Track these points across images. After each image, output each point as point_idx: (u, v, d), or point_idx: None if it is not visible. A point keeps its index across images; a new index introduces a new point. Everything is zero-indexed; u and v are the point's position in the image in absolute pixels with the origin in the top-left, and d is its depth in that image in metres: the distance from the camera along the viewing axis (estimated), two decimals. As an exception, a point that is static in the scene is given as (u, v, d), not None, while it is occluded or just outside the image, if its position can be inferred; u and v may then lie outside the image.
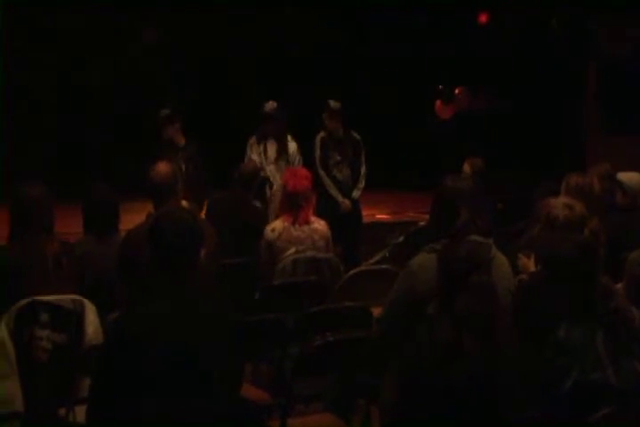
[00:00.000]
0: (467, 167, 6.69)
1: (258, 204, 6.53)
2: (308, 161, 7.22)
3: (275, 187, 7.09)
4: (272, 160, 7.22)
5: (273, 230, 5.06)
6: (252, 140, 7.28)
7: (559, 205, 3.90)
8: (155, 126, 7.02)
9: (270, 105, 7.20)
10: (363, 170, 7.37)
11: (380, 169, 8.36)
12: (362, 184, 7.36)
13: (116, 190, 4.80)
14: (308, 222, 5.10)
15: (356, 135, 7.39)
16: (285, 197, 5.14)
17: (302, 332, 4.01)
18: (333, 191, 7.20)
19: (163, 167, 4.39)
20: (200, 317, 2.74)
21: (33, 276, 3.91)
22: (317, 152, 7.26)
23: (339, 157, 7.29)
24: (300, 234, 5.06)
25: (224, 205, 6.12)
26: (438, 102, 11.95)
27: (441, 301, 2.89)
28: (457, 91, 11.88)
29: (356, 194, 7.32)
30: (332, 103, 7.20)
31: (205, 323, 2.74)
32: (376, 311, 3.95)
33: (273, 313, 4.24)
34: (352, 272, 4.91)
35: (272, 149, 7.25)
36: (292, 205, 5.06)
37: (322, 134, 7.29)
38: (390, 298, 3.39)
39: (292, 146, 7.29)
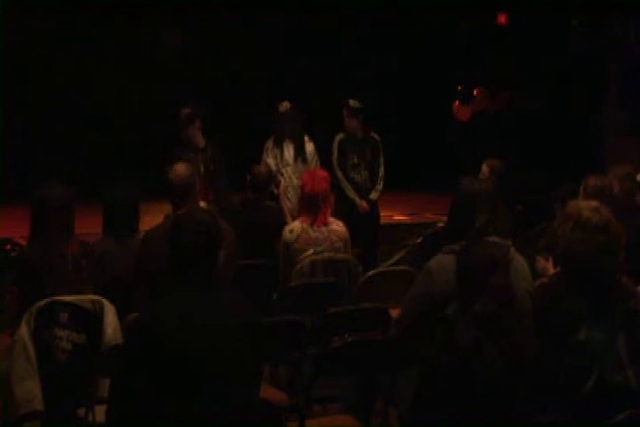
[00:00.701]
0: (485, 168, 6.68)
1: (273, 203, 6.54)
2: (326, 162, 7.23)
3: (282, 185, 7.09)
4: (289, 162, 7.22)
5: (291, 231, 5.08)
6: (269, 143, 7.27)
7: (589, 207, 3.88)
8: (175, 126, 7.02)
9: (284, 105, 7.19)
10: (381, 171, 7.35)
11: (398, 170, 8.35)
12: (380, 186, 7.34)
13: (137, 189, 4.83)
14: (326, 223, 5.11)
15: (375, 136, 7.38)
16: (304, 198, 5.15)
17: (320, 333, 4.02)
18: (351, 193, 7.19)
19: (182, 168, 4.41)
20: (219, 317, 2.76)
21: (53, 276, 3.95)
22: (335, 154, 7.25)
23: (357, 159, 7.28)
24: (318, 235, 5.07)
25: (238, 208, 6.12)
26: (457, 103, 11.92)
27: (459, 303, 2.90)
28: (475, 91, 11.85)
29: (374, 196, 7.31)
30: (352, 102, 7.17)
31: (224, 324, 2.76)
32: (394, 313, 3.95)
33: (291, 314, 4.25)
34: (370, 273, 4.91)
35: (289, 150, 7.24)
36: (311, 206, 5.08)
37: (340, 136, 7.29)
38: (408, 299, 3.39)
39: (310, 146, 7.29)
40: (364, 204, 7.21)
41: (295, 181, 6.99)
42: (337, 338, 3.73)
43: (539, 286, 3.48)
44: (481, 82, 11.79)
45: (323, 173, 5.25)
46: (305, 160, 7.21)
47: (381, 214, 7.68)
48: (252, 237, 5.49)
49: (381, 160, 7.37)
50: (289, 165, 7.20)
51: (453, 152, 11.56)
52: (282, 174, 7.15)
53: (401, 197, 10.44)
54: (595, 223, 3.73)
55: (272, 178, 6.58)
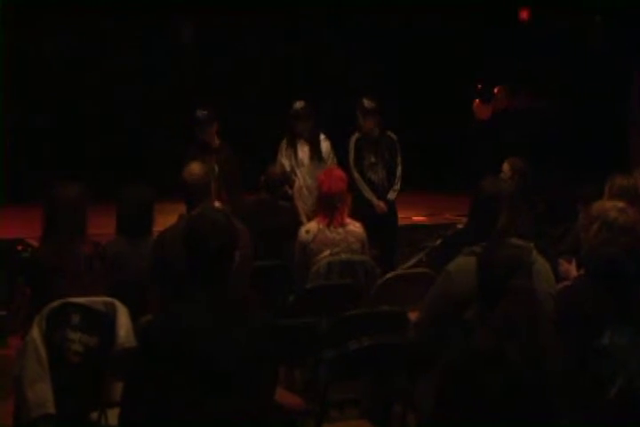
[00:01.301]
0: (506, 168, 6.65)
1: (287, 204, 6.54)
2: (343, 162, 7.22)
3: (296, 185, 7.09)
4: (304, 162, 7.21)
5: (307, 232, 5.09)
6: (283, 143, 7.27)
7: (616, 208, 3.86)
8: (190, 126, 7.05)
9: (298, 104, 7.19)
10: (399, 171, 7.34)
11: (416, 170, 8.34)
12: (398, 186, 7.33)
13: (153, 189, 4.84)
14: (343, 224, 5.11)
15: (392, 135, 7.37)
16: (320, 198, 5.16)
17: (337, 336, 4.02)
18: (368, 194, 7.18)
19: (196, 168, 4.42)
20: (235, 320, 2.76)
21: (65, 277, 3.96)
22: (351, 154, 7.24)
23: (374, 159, 7.27)
24: (334, 236, 5.08)
25: (252, 209, 6.12)
26: (477, 101, 11.88)
27: (480, 306, 2.89)
28: (496, 90, 11.81)
29: (391, 196, 7.29)
30: (366, 102, 7.16)
31: (240, 326, 2.76)
32: (412, 316, 3.95)
33: (307, 317, 4.25)
34: (388, 276, 4.91)
35: (304, 150, 7.24)
36: (327, 206, 5.08)
37: (356, 135, 7.28)
38: (427, 302, 3.39)
39: (325, 145, 7.29)
40: (381, 204, 7.20)
41: (309, 182, 6.99)
42: (354, 341, 3.72)
43: (561, 288, 3.47)
44: (501, 80, 11.75)
45: (340, 173, 5.26)
46: (321, 159, 7.21)
47: (399, 215, 7.67)
48: (266, 238, 5.50)
49: (399, 160, 7.35)
50: (303, 166, 7.20)
51: (474, 151, 11.52)
52: (296, 175, 7.15)
53: (419, 197, 10.42)
54: (621, 224, 3.71)
55: (286, 178, 6.58)
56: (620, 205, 3.83)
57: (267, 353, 2.81)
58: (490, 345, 2.70)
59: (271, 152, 7.36)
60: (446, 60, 11.73)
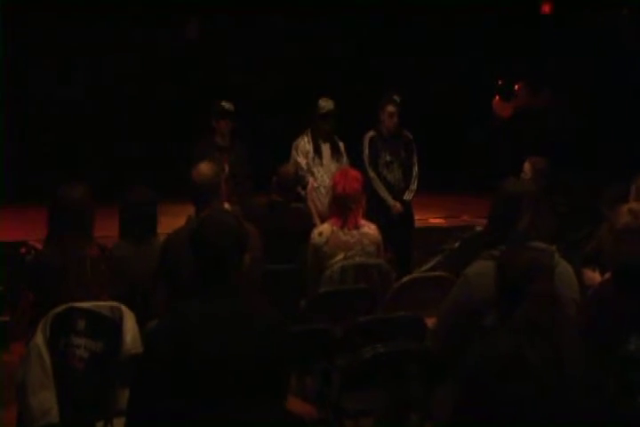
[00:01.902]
0: (528, 168, 6.63)
1: (300, 205, 6.55)
2: (356, 161, 7.23)
3: (310, 185, 7.10)
4: (325, 162, 7.23)
5: (320, 235, 5.09)
6: (300, 141, 7.27)
7: (632, 211, 3.85)
8: (198, 124, 7.09)
9: (329, 104, 7.18)
10: (415, 171, 7.34)
11: (434, 170, 8.34)
12: (414, 186, 7.33)
13: (155, 192, 4.87)
14: (357, 226, 5.11)
15: (408, 134, 7.38)
16: (334, 199, 5.16)
17: (351, 343, 4.03)
18: (383, 193, 7.18)
19: (205, 168, 4.43)
20: (243, 325, 2.77)
21: (70, 281, 3.99)
22: (366, 152, 7.25)
23: (389, 157, 7.28)
24: (349, 239, 5.08)
25: (264, 211, 6.14)
26: (497, 99, 11.88)
27: (500, 311, 2.89)
28: (517, 86, 11.80)
29: (408, 196, 7.30)
30: (396, 97, 7.19)
31: (249, 331, 2.77)
32: (430, 321, 3.95)
33: (320, 323, 4.26)
34: (404, 280, 4.91)
35: (327, 149, 7.26)
36: (341, 207, 5.08)
37: (371, 133, 7.29)
38: (445, 307, 3.39)
39: (341, 145, 7.32)
40: (397, 205, 7.20)
41: (327, 182, 7.00)
42: (369, 348, 3.73)
43: (586, 294, 3.47)
44: (523, 76, 11.73)
45: (355, 173, 5.25)
46: (339, 159, 7.24)
47: (416, 217, 7.67)
48: (278, 241, 5.51)
49: (415, 159, 7.36)
50: (322, 165, 7.21)
51: (493, 151, 11.51)
52: (312, 174, 7.15)
53: (437, 198, 10.42)
54: (635, 228, 3.70)
55: (299, 179, 6.59)
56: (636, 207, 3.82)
57: (279, 360, 2.82)
58: (510, 351, 2.70)
59: (284, 152, 7.38)
60: (464, 56, 11.72)
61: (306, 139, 7.23)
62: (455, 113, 11.81)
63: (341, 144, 7.30)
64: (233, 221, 2.88)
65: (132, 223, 4.68)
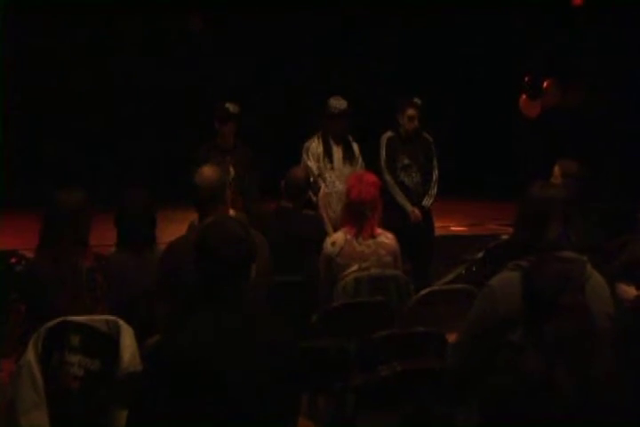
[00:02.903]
0: (557, 172, 6.63)
1: (312, 213, 6.56)
2: (370, 165, 7.24)
3: (322, 191, 7.11)
4: (336, 165, 7.23)
5: (333, 244, 5.10)
6: (310, 143, 7.28)
7: None
8: (200, 125, 7.12)
9: (341, 103, 7.19)
10: (435, 175, 7.35)
11: (455, 174, 8.36)
12: (434, 191, 7.33)
13: (155, 197, 4.89)
14: (373, 235, 5.12)
15: (428, 136, 7.39)
16: (349, 205, 5.17)
17: (366, 360, 4.03)
18: (401, 199, 7.19)
19: (209, 171, 4.44)
20: (252, 343, 2.78)
21: (64, 293, 4.00)
22: (383, 154, 7.26)
23: (407, 161, 7.28)
24: (364, 249, 5.09)
25: (272, 218, 6.14)
26: (524, 97, 11.86)
27: (527, 326, 2.89)
28: (545, 83, 11.78)
29: (427, 202, 7.30)
30: (416, 99, 7.21)
31: (256, 348, 2.78)
32: (451, 337, 3.95)
33: (332, 339, 4.27)
34: (423, 292, 4.91)
35: (338, 152, 7.27)
36: (356, 215, 5.09)
37: (388, 134, 7.30)
38: (468, 322, 3.39)
39: (356, 148, 7.33)
40: (415, 211, 7.21)
41: (340, 187, 7.01)
42: (385, 366, 3.73)
43: (621, 308, 3.46)
44: (552, 72, 11.72)
45: (371, 178, 5.26)
46: (353, 163, 7.24)
47: (436, 225, 7.67)
48: (288, 251, 5.52)
49: (435, 162, 7.36)
50: (333, 169, 7.22)
51: (521, 153, 11.51)
52: (324, 180, 7.16)
53: (459, 205, 10.43)
54: None
55: (309, 183, 6.60)
56: None
57: (288, 379, 2.82)
58: (539, 369, 2.70)
59: (294, 154, 7.40)
60: (488, 51, 11.72)
61: (317, 141, 7.24)
62: (479, 113, 11.82)
63: (356, 146, 7.31)
64: (239, 229, 2.89)
65: (129, 231, 4.70)
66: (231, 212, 4.72)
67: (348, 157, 7.25)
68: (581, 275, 3.09)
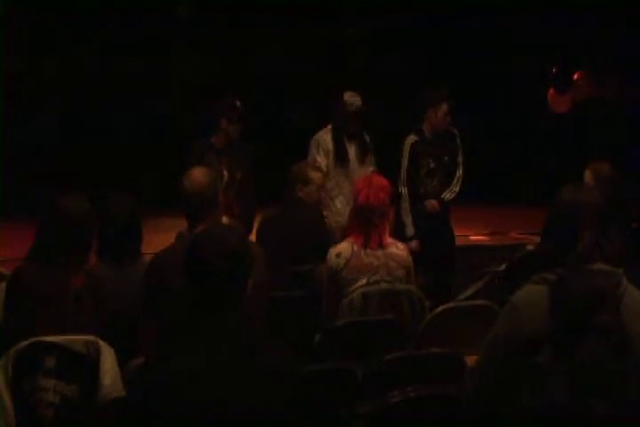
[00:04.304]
0: (589, 176, 6.64)
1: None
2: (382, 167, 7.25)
3: (326, 194, 7.12)
4: (355, 166, 7.25)
5: (338, 256, 5.10)
6: (322, 135, 7.27)
7: None
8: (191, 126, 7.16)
9: (358, 99, 7.18)
10: (459, 173, 7.38)
11: (476, 178, 8.35)
12: (457, 188, 7.37)
13: (140, 203, 4.90)
14: (383, 246, 5.12)
15: (453, 130, 7.41)
16: (355, 211, 5.17)
17: (376, 385, 4.04)
18: (406, 218, 7.19)
19: (200, 175, 4.45)
20: (246, 365, 2.78)
21: (46, 314, 4.00)
22: (405, 163, 7.25)
23: (433, 164, 7.30)
24: (372, 260, 5.09)
25: (277, 223, 6.14)
26: (551, 91, 11.86)
27: (555, 347, 2.90)
28: (576, 75, 11.78)
29: (447, 195, 7.34)
30: (443, 89, 7.23)
31: (252, 373, 2.78)
32: (470, 360, 3.95)
33: (338, 361, 4.27)
34: (440, 309, 4.92)
35: (352, 151, 7.29)
36: (364, 222, 5.10)
37: (412, 138, 7.28)
38: (488, 342, 3.39)
39: (370, 146, 7.36)
40: (433, 202, 7.23)
41: (348, 189, 7.02)
42: (396, 392, 3.73)
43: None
44: (583, 62, 11.72)
45: (381, 181, 5.26)
46: (366, 163, 7.27)
47: (455, 233, 7.68)
48: (288, 263, 5.53)
49: (460, 159, 7.39)
50: (344, 169, 7.23)
51: (548, 154, 11.50)
52: (329, 180, 7.16)
53: (480, 212, 10.43)
54: None
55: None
56: None
57: (288, 408, 2.83)
58: (567, 396, 2.70)
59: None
60: (508, 37, 11.72)
61: (330, 135, 7.25)
62: (501, 110, 11.82)
63: (368, 142, 7.34)
64: (234, 239, 2.89)
65: (111, 241, 4.71)
66: (225, 219, 4.72)
67: (362, 156, 7.27)
68: (616, 290, 3.09)
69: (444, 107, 7.19)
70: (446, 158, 7.33)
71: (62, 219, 4.17)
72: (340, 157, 7.24)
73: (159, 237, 5.10)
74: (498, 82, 11.80)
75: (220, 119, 7.02)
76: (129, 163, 10.78)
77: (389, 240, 5.17)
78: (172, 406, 2.69)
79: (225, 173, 6.83)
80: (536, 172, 11.37)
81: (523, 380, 3.00)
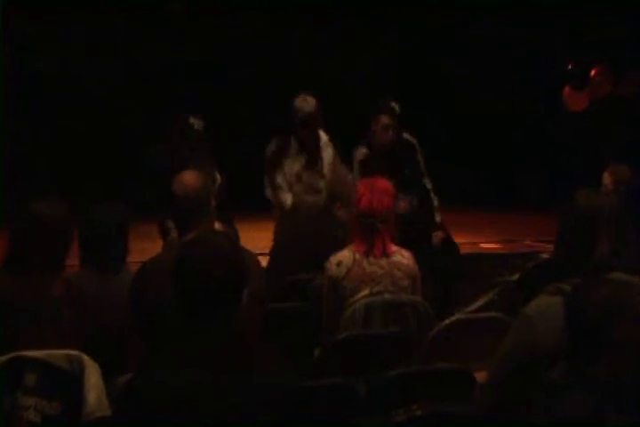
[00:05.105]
0: (608, 179, 6.65)
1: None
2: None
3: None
4: (306, 176, 7.17)
5: (339, 264, 5.10)
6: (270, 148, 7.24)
7: None
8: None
9: (310, 103, 6.99)
10: (428, 184, 7.42)
11: (485, 183, 8.38)
12: (436, 202, 7.42)
13: (127, 209, 4.91)
14: (386, 253, 5.13)
15: (408, 138, 7.41)
16: (357, 218, 5.18)
17: (379, 403, 4.04)
18: None
19: (191, 178, 4.46)
20: (240, 381, 2.79)
21: (25, 325, 4.01)
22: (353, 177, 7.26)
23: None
24: (375, 269, 5.10)
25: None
26: (567, 88, 11.88)
27: (571, 362, 2.90)
28: (593, 71, 11.79)
29: (438, 218, 7.40)
30: (394, 104, 7.23)
31: (247, 389, 2.79)
32: (480, 375, 3.96)
33: (339, 377, 4.27)
34: (448, 321, 4.92)
35: (301, 160, 7.21)
36: (366, 228, 5.10)
37: (362, 151, 7.29)
38: (500, 357, 3.40)
39: (328, 152, 7.22)
40: (439, 234, 7.28)
41: (309, 199, 7.01)
42: (401, 410, 3.74)
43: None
44: (600, 58, 11.74)
45: (384, 184, 5.27)
46: (318, 173, 7.18)
47: (464, 241, 7.70)
48: (286, 271, 5.54)
49: (422, 169, 7.39)
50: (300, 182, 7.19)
51: (563, 156, 11.51)
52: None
53: (490, 218, 10.44)
54: None
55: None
56: None
57: (284, 424, 2.83)
58: (584, 415, 2.71)
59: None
60: (520, 32, 11.75)
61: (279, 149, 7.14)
62: (510, 106, 11.83)
63: (328, 150, 7.21)
64: (227, 246, 2.90)
65: (94, 249, 4.71)
66: (218, 226, 4.73)
67: (315, 164, 7.18)
68: (636, 301, 3.10)
69: (383, 119, 7.20)
70: (407, 171, 7.33)
71: (36, 224, 4.18)
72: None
73: (148, 245, 5.10)
74: (509, 83, 11.83)
75: (174, 136, 7.07)
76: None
77: (394, 248, 5.17)
78: (161, 425, 2.70)
79: (217, 176, 6.84)
80: (550, 175, 11.37)
81: (536, 397, 3.00)
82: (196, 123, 7.12)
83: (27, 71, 11.27)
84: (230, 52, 12.12)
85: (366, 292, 5.04)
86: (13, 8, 10.07)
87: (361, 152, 7.31)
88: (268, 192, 7.07)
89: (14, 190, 9.21)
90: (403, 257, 5.18)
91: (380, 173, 7.18)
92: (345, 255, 5.14)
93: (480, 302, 6.78)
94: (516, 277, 6.57)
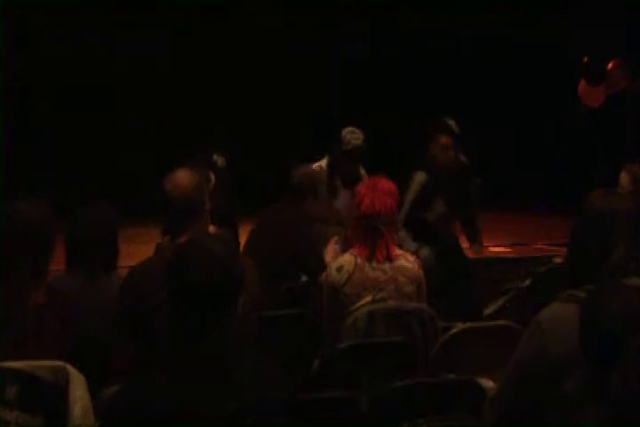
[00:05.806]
0: (625, 179, 6.66)
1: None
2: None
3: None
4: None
5: (339, 270, 5.10)
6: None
7: None
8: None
9: (358, 137, 7.17)
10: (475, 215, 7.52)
11: (495, 184, 8.39)
12: (481, 237, 7.52)
13: (116, 211, 4.91)
14: (390, 258, 5.12)
15: (463, 159, 7.45)
16: (358, 219, 5.17)
17: (382, 416, 4.04)
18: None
19: (184, 177, 4.45)
20: (236, 394, 2.79)
21: (6, 333, 4.00)
22: (406, 208, 7.26)
23: (442, 208, 7.35)
24: (378, 275, 5.09)
25: (270, 230, 6.17)
26: (582, 83, 11.87)
27: (586, 374, 2.90)
28: (610, 65, 11.79)
29: (478, 250, 7.46)
30: (451, 122, 7.25)
31: (243, 403, 2.79)
32: (489, 387, 3.96)
33: (339, 389, 4.27)
34: (455, 330, 4.92)
35: (345, 197, 7.31)
36: (368, 231, 5.09)
37: (421, 176, 7.26)
38: (510, 368, 3.40)
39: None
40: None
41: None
42: (406, 424, 3.74)
43: None
44: (617, 50, 11.75)
45: (387, 185, 5.25)
46: None
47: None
48: (284, 278, 5.53)
49: (474, 195, 7.46)
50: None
51: (577, 156, 11.52)
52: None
53: (501, 219, 10.45)
54: None
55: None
56: None
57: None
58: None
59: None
60: (533, 24, 11.77)
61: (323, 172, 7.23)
62: (523, 103, 11.84)
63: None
64: (222, 251, 2.90)
65: (82, 252, 4.71)
66: (212, 229, 4.73)
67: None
68: (655, 308, 3.10)
69: (443, 140, 7.20)
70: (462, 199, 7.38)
71: (17, 225, 4.17)
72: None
73: (135, 249, 5.10)
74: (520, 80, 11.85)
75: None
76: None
77: (398, 251, 5.16)
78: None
79: (212, 176, 6.85)
80: (565, 174, 11.38)
81: (549, 410, 3.00)
82: (219, 160, 7.13)
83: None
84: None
85: (368, 299, 5.04)
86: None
87: (420, 177, 7.26)
88: None
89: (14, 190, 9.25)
90: (407, 261, 5.17)
91: (437, 198, 7.25)
92: (346, 260, 5.13)
93: (490, 310, 6.79)
94: (527, 282, 6.59)
